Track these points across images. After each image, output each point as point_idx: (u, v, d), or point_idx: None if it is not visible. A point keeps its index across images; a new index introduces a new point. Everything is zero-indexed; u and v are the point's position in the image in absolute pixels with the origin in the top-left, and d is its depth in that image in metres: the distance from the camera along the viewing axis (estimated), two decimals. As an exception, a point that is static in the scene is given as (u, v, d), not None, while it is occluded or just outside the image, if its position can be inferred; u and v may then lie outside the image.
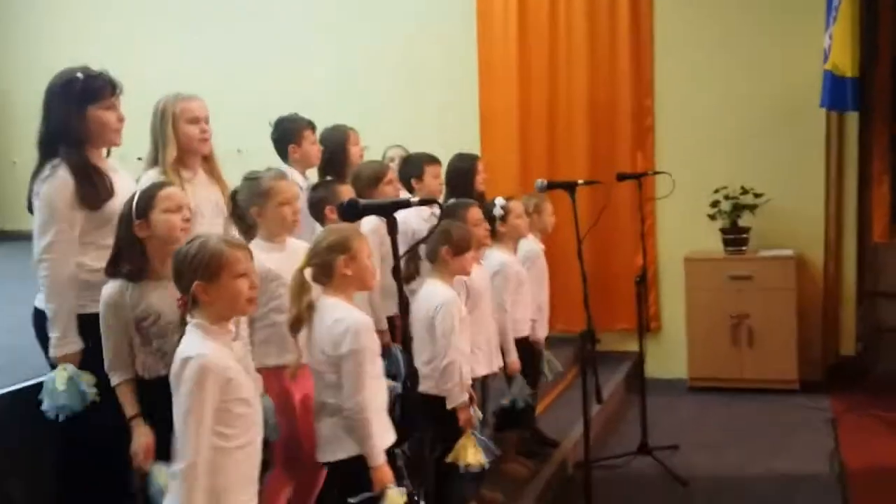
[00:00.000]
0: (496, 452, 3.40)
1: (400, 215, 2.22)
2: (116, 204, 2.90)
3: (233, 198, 3.19)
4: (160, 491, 2.49)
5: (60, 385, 2.76)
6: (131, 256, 2.71)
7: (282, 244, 3.10)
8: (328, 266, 2.75)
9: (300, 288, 2.77)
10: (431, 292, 3.38)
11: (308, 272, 2.77)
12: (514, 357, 4.07)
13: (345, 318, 2.72)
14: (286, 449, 3.05)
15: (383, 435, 2.73)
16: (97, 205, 2.89)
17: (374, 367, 2.78)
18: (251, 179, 3.12)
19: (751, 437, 5.12)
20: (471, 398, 3.45)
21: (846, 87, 5.30)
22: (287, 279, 2.90)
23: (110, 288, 2.72)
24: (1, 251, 7.39)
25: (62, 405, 2.75)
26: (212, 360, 2.22)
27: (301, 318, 2.76)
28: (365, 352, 2.69)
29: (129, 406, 2.72)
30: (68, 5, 7.71)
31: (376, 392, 2.75)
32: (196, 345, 2.27)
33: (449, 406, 3.29)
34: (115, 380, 2.74)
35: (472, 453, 3.22)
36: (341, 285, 2.77)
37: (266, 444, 2.57)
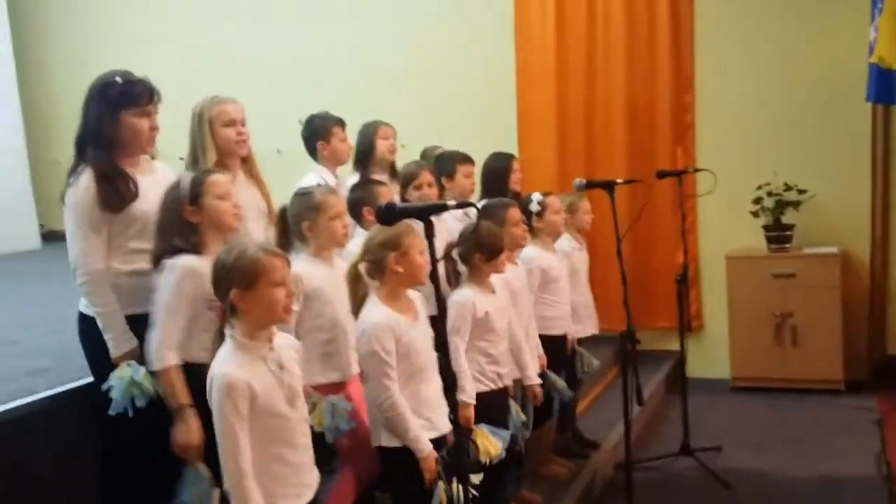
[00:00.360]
0: (507, 439, 3.33)
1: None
2: (141, 207, 2.91)
3: (282, 214, 3.17)
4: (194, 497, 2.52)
5: (122, 384, 2.76)
6: (186, 238, 2.75)
7: (329, 260, 3.09)
8: (380, 262, 2.83)
9: (355, 282, 2.88)
10: (456, 293, 3.38)
11: (363, 266, 2.85)
12: (539, 352, 3.94)
13: (365, 318, 2.83)
14: (351, 450, 3.04)
15: (428, 427, 2.80)
16: (119, 207, 2.87)
17: (410, 366, 2.81)
18: (303, 195, 3.13)
19: (795, 439, 5.04)
20: (513, 397, 3.49)
21: (892, 81, 5.18)
22: (332, 297, 2.98)
23: (188, 258, 2.70)
24: (47, 251, 7.54)
25: (131, 399, 2.75)
26: (236, 376, 2.24)
27: (356, 311, 2.88)
28: (379, 353, 2.75)
29: (182, 393, 2.68)
30: (114, 6, 7.81)
31: (417, 387, 2.81)
32: (223, 360, 2.30)
33: None
34: (169, 361, 2.67)
35: (484, 445, 3.17)
36: (392, 281, 2.84)
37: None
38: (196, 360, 2.65)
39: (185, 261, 2.71)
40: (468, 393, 3.22)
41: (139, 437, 2.77)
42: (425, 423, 2.83)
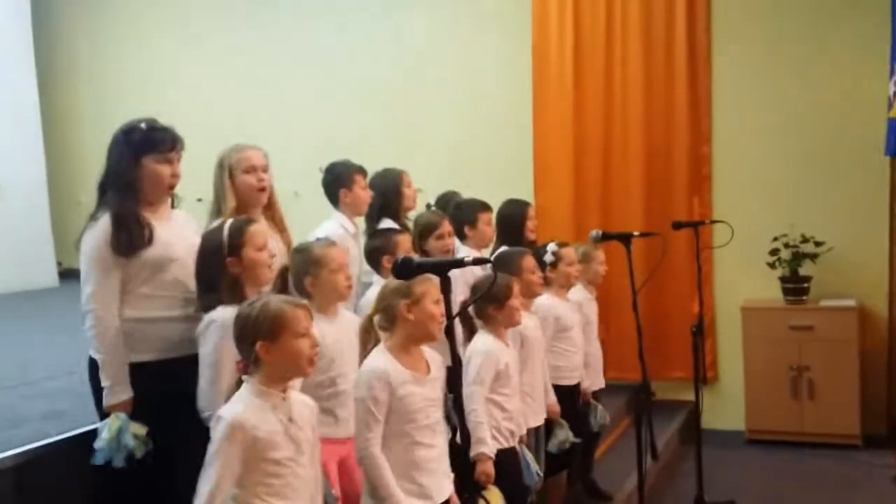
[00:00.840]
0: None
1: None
2: (155, 253, 2.92)
3: (283, 273, 3.12)
4: None
5: (107, 435, 2.79)
6: (227, 289, 2.76)
7: (334, 315, 3.04)
8: (391, 310, 2.72)
9: (366, 334, 2.80)
10: (474, 342, 3.36)
11: (376, 318, 2.77)
12: (552, 400, 3.94)
13: (365, 365, 2.71)
14: None
15: (417, 492, 2.65)
16: (130, 252, 2.88)
17: (410, 424, 2.67)
18: (301, 251, 3.09)
19: (811, 494, 4.98)
20: (525, 445, 3.46)
21: (910, 136, 5.20)
22: (335, 355, 2.93)
23: (227, 311, 2.65)
24: (67, 289, 7.57)
25: (107, 456, 2.77)
26: (243, 418, 2.25)
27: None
28: (367, 403, 2.61)
29: None
30: (140, 51, 7.94)
31: (410, 447, 2.68)
32: (235, 403, 2.31)
33: (472, 454, 3.10)
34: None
35: None
36: (403, 332, 2.72)
37: None
38: None
39: (226, 314, 2.66)
40: (489, 446, 3.16)
41: (129, 490, 2.79)
42: (414, 487, 2.65)
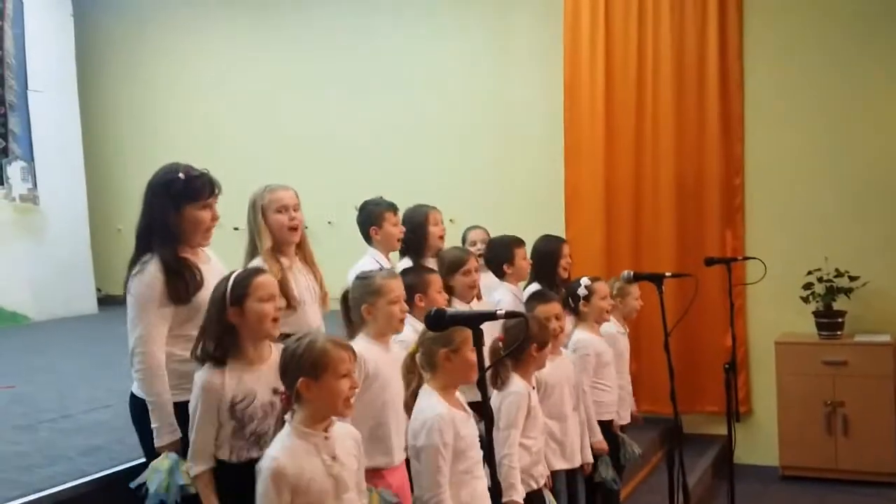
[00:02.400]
0: None
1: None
2: (205, 295, 2.96)
3: (344, 298, 3.23)
4: None
5: (162, 477, 2.83)
6: (222, 340, 2.76)
7: (386, 344, 3.14)
8: (431, 355, 2.82)
9: (409, 373, 2.89)
10: (511, 384, 3.36)
11: (419, 358, 2.86)
12: (598, 437, 3.99)
13: (425, 409, 2.78)
14: None
15: None
16: (186, 299, 2.96)
17: (464, 462, 2.78)
18: (363, 279, 3.18)
19: (847, 533, 4.92)
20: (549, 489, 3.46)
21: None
22: (389, 381, 3.00)
23: (206, 373, 2.74)
24: (105, 316, 7.71)
25: (161, 497, 2.81)
26: (283, 465, 2.31)
27: (409, 403, 2.88)
28: (438, 447, 2.71)
29: (213, 497, 2.75)
30: (175, 81, 8.11)
31: (471, 483, 2.78)
32: (278, 445, 2.38)
33: (504, 500, 3.12)
34: (199, 468, 2.75)
35: None
36: (443, 377, 2.82)
37: None
38: (228, 459, 2.76)
39: (205, 377, 2.74)
40: (520, 492, 3.19)
41: None
42: None
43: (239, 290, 2.78)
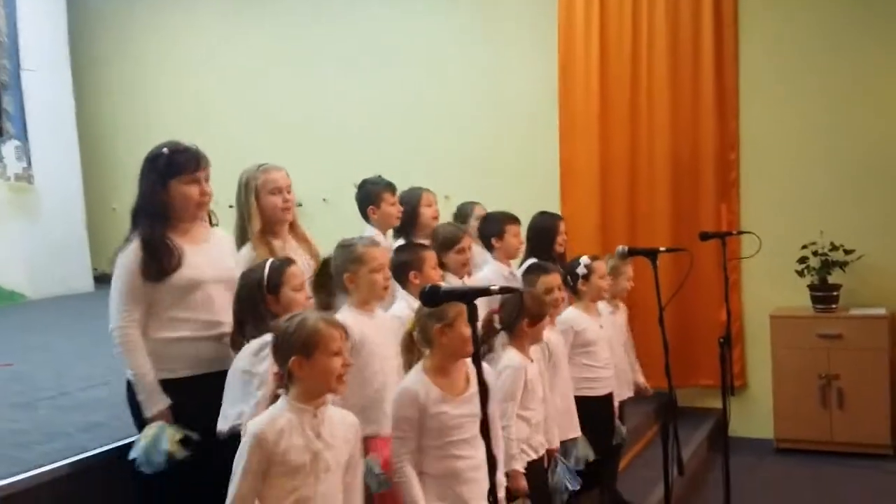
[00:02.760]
0: None
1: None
2: (185, 275, 3.02)
3: (324, 265, 3.25)
4: None
5: (144, 443, 2.90)
6: (262, 328, 2.84)
7: (371, 312, 3.16)
8: (426, 331, 2.84)
9: (408, 351, 2.92)
10: (502, 359, 3.39)
11: (416, 334, 2.88)
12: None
13: (401, 383, 2.85)
14: None
15: (453, 497, 2.77)
16: (159, 278, 2.99)
17: (440, 438, 2.79)
18: (345, 247, 3.19)
19: (841, 504, 4.96)
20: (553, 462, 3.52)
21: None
22: (376, 348, 3.02)
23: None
24: (102, 294, 7.67)
25: (145, 461, 2.87)
26: (266, 431, 2.35)
27: None
28: (398, 419, 2.77)
29: None
30: (166, 58, 8.05)
31: (442, 463, 2.80)
32: (267, 414, 2.43)
33: (504, 469, 3.14)
34: None
35: None
36: (439, 353, 2.84)
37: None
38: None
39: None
40: (519, 461, 3.24)
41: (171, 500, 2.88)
42: (451, 494, 2.80)
43: (276, 279, 2.92)
